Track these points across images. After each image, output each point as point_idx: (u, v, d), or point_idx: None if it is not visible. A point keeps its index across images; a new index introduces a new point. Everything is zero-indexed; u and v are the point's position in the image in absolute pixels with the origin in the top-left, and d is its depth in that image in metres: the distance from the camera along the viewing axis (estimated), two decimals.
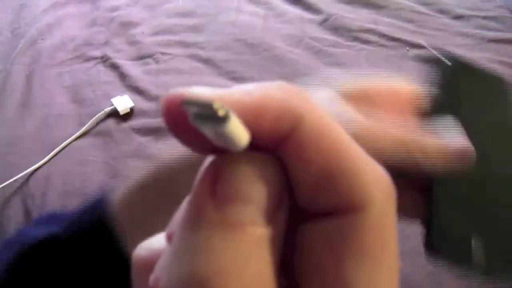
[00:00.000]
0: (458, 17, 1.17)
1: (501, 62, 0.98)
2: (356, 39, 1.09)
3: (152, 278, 0.22)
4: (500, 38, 1.06)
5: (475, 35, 1.09)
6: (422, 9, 1.17)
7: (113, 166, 0.96)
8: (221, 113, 0.14)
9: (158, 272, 0.21)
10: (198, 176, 0.16)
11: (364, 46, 1.07)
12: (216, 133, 0.15)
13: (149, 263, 0.26)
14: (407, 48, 1.05)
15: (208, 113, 0.14)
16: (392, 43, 1.07)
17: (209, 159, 0.17)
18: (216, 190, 0.15)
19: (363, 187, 0.16)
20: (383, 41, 1.08)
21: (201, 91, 0.16)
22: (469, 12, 1.18)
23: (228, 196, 0.15)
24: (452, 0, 1.22)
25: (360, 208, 0.16)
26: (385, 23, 1.13)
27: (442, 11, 1.19)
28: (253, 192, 0.16)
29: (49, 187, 0.94)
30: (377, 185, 0.16)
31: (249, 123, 0.15)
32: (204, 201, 0.15)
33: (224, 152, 0.16)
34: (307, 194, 0.17)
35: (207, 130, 0.15)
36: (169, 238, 0.20)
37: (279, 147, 0.16)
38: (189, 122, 0.15)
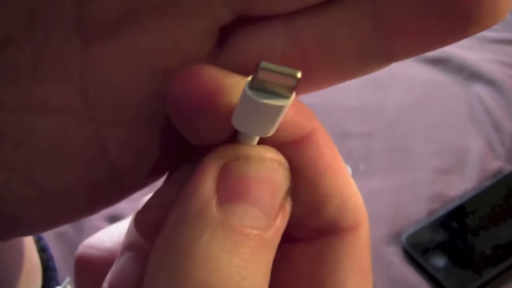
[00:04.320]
0: None
1: (502, 62, 0.98)
2: None
3: (106, 285, 0.21)
4: (500, 38, 1.06)
5: (475, 35, 1.09)
6: None
7: None
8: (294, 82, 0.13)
9: (117, 277, 0.20)
10: (200, 167, 0.15)
11: None
12: (270, 111, 0.14)
13: (99, 264, 0.23)
14: None
15: (278, 85, 0.13)
16: None
17: (214, 149, 0.15)
18: (221, 187, 0.14)
19: (359, 206, 0.17)
20: None
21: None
22: None
23: (234, 196, 0.14)
24: None
25: (358, 226, 0.17)
26: None
27: None
28: (261, 194, 0.14)
29: None
30: (362, 204, 0.17)
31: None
32: (207, 198, 0.14)
33: (229, 143, 0.15)
34: (308, 210, 0.17)
35: (264, 107, 0.14)
36: (140, 230, 0.19)
37: (293, 146, 0.16)
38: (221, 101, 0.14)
